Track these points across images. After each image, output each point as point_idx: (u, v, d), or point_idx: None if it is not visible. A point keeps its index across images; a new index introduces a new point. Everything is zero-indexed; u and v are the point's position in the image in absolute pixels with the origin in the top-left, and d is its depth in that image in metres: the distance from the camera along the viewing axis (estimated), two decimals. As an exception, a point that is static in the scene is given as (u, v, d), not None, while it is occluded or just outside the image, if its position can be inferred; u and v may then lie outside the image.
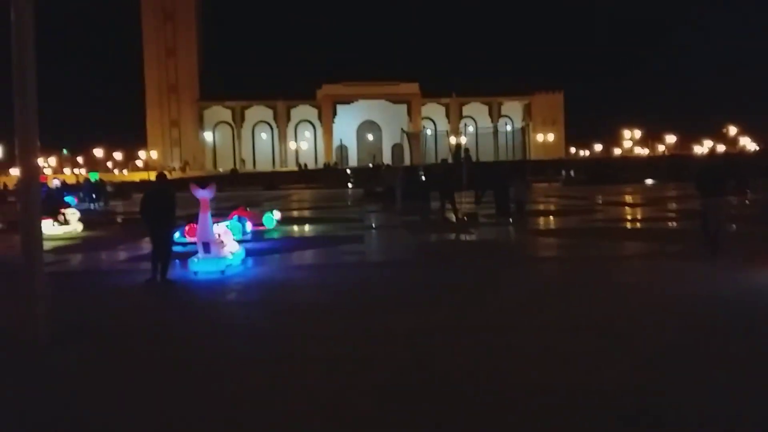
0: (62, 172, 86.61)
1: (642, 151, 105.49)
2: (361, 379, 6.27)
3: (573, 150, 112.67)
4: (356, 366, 6.68)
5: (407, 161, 72.32)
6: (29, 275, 7.90)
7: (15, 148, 8.13)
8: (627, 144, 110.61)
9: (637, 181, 53.56)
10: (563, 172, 63.14)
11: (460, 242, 18.40)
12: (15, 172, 76.58)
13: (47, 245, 10.10)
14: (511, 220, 22.34)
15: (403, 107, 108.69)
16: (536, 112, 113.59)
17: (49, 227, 21.68)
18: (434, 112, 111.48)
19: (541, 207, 30.06)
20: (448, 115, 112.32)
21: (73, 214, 23.68)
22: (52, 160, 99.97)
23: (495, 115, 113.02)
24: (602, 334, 7.71)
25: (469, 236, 19.24)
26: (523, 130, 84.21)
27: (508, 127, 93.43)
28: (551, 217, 25.73)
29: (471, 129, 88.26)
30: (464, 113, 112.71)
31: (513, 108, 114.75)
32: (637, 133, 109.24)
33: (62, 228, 22.66)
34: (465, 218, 22.76)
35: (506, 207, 23.28)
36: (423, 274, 12.63)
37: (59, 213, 23.09)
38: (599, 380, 6.05)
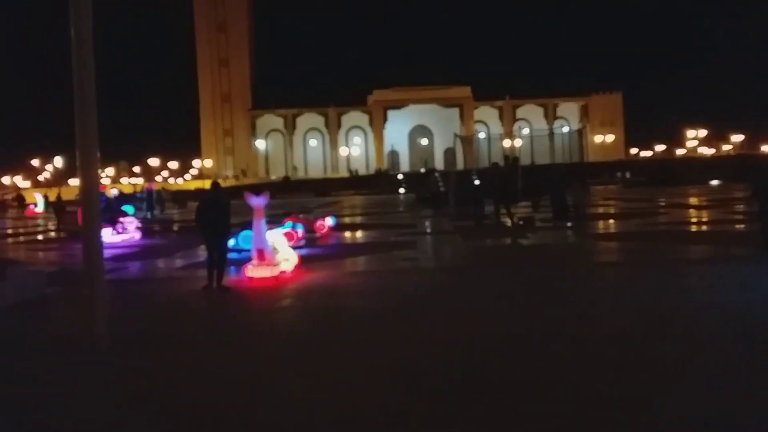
0: (120, 182, 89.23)
1: (707, 151, 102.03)
2: (416, 386, 6.10)
3: (633, 151, 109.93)
4: (411, 373, 6.51)
5: (460, 165, 71.76)
6: (90, 282, 8.03)
7: (76, 159, 8.27)
8: (691, 144, 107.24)
9: (701, 183, 51.84)
10: (618, 175, 61.77)
11: (516, 247, 18.02)
12: (74, 182, 79.37)
13: (107, 253, 10.27)
14: (569, 224, 21.80)
15: (455, 111, 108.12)
16: (594, 113, 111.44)
17: (108, 235, 22.34)
18: (487, 115, 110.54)
19: (600, 210, 29.33)
20: (501, 118, 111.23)
21: (131, 223, 24.27)
22: (110, 171, 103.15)
23: (550, 117, 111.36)
24: (677, 341, 7.34)
25: (526, 241, 18.84)
26: (580, 132, 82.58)
27: (565, 129, 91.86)
28: (611, 221, 25.04)
29: (526, 131, 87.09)
30: (518, 116, 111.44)
31: (569, 109, 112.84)
32: (702, 132, 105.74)
33: (121, 236, 23.24)
34: (521, 222, 22.34)
35: (564, 211, 22.75)
36: (478, 280, 12.38)
37: (118, 222, 23.70)
38: (679, 389, 5.71)
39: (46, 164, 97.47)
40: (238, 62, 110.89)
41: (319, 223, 22.38)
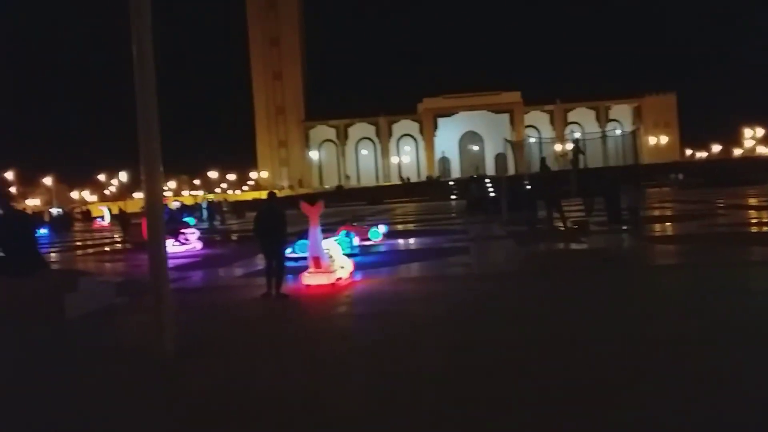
0: (181, 195, 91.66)
1: (766, 151, 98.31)
2: (472, 392, 6.18)
3: (689, 152, 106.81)
4: (466, 379, 6.60)
5: (511, 171, 71.19)
6: (156, 292, 8.35)
7: (140, 173, 8.63)
8: (748, 143, 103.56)
9: (760, 183, 50.03)
10: (671, 176, 60.19)
11: (571, 252, 17.85)
12: (138, 195, 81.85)
13: (170, 263, 10.68)
14: (624, 227, 21.45)
15: (506, 117, 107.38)
16: (647, 114, 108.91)
17: (171, 246, 23.17)
18: (538, 119, 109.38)
19: (656, 213, 28.70)
20: (552, 122, 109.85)
21: (192, 234, 25.06)
22: (172, 184, 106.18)
23: (603, 119, 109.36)
24: (738, 344, 7.23)
25: (580, 245, 18.63)
26: (634, 134, 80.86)
27: (618, 132, 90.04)
28: (668, 223, 24.49)
29: (578, 135, 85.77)
30: (570, 119, 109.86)
31: (622, 111, 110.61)
32: (760, 131, 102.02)
33: (183, 247, 24.01)
34: (574, 227, 22.09)
35: (618, 214, 22.39)
36: (532, 285, 12.34)
37: (180, 233, 24.51)
38: (735, 392, 5.65)
39: (111, 179, 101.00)
40: (291, 75, 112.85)
41: (372, 230, 22.64)
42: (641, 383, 6.11)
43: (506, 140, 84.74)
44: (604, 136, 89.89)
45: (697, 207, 31.11)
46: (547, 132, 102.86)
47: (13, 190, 79.07)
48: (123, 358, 8.38)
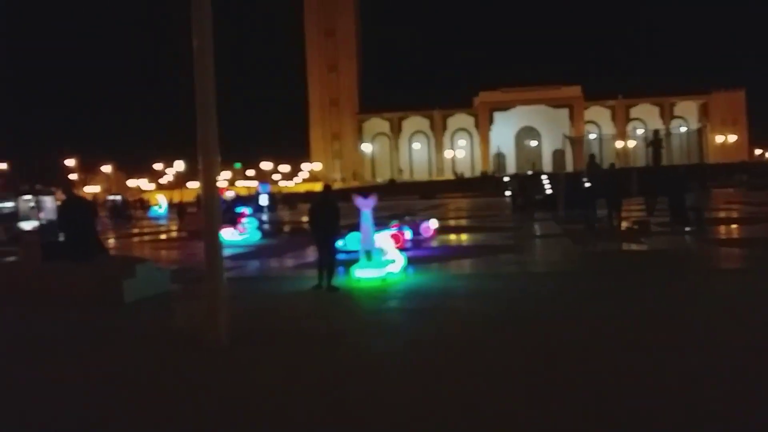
0: (235, 185, 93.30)
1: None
2: (522, 391, 6.03)
3: (758, 152, 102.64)
4: (517, 378, 6.45)
5: (569, 167, 69.83)
6: (211, 281, 8.45)
7: (197, 163, 8.73)
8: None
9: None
10: (736, 177, 58.02)
11: (630, 252, 17.34)
12: (193, 185, 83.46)
13: (226, 252, 10.79)
14: (687, 228, 20.71)
15: (565, 112, 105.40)
16: (714, 111, 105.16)
17: (229, 236, 23.71)
18: (598, 115, 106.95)
19: (721, 214, 27.66)
20: (613, 118, 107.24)
21: (250, 224, 25.48)
22: (227, 174, 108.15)
23: (667, 116, 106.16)
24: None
25: (640, 246, 18.08)
26: (700, 132, 78.26)
27: (682, 129, 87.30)
28: (733, 225, 23.55)
29: (640, 132, 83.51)
30: (632, 115, 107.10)
31: (687, 108, 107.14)
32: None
33: (241, 236, 24.42)
34: (635, 227, 21.46)
35: (683, 214, 21.60)
36: (588, 285, 12.00)
37: (239, 222, 24.96)
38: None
39: (168, 168, 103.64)
40: (346, 67, 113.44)
41: (424, 225, 22.52)
42: (700, 389, 5.83)
43: (565, 136, 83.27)
44: (668, 134, 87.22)
45: (764, 210, 29.86)
46: (609, 128, 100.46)
47: (74, 177, 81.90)
48: (178, 343, 8.53)
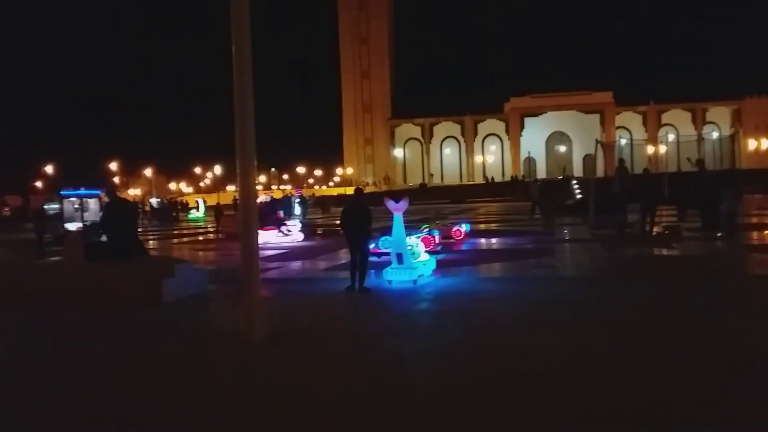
0: (271, 189, 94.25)
1: None
2: (555, 395, 6.18)
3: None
4: (548, 382, 6.58)
5: (600, 173, 69.17)
6: (247, 281, 8.74)
7: (235, 166, 9.04)
8: None
9: None
10: None
11: (661, 257, 17.27)
12: (231, 188, 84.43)
13: (265, 253, 11.09)
14: (719, 234, 20.52)
15: (596, 117, 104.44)
16: (747, 117, 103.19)
17: (274, 236, 24.43)
18: (630, 121, 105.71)
19: (755, 220, 27.28)
20: (645, 124, 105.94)
21: (294, 225, 26.05)
22: (262, 178, 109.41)
23: (699, 122, 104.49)
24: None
25: (672, 251, 18.00)
26: (732, 138, 76.83)
27: (715, 135, 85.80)
28: (766, 232, 23.22)
29: (672, 137, 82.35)
30: (663, 121, 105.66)
31: (720, 114, 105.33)
32: None
33: (286, 238, 25.06)
34: (666, 232, 21.34)
35: (714, 220, 21.40)
36: (619, 290, 12.04)
37: (283, 224, 25.54)
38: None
39: (206, 171, 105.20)
40: (379, 74, 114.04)
41: (455, 229, 22.67)
42: (728, 401, 5.93)
43: (597, 141, 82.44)
44: (700, 139, 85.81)
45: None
46: (640, 134, 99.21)
47: (116, 179, 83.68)
48: (215, 342, 8.83)
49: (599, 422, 5.40)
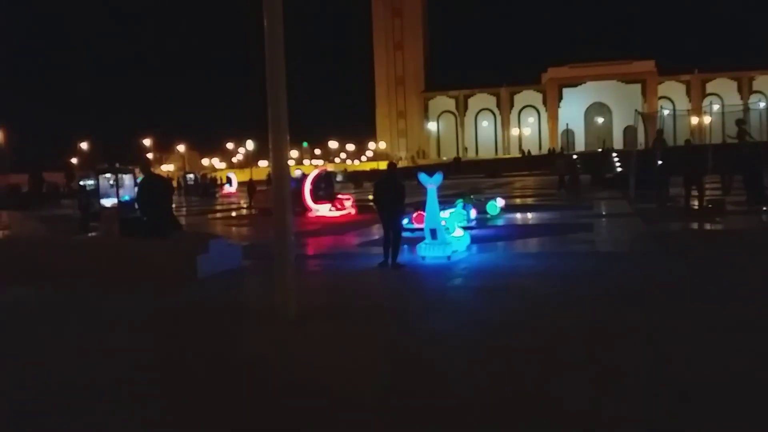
0: (302, 164, 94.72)
1: None
2: (589, 374, 6.00)
3: None
4: (583, 360, 6.41)
5: (641, 145, 67.66)
6: (281, 257, 8.71)
7: (267, 142, 8.94)
8: None
9: None
10: None
11: (704, 232, 16.78)
12: (263, 163, 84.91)
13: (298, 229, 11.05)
14: (765, 208, 19.84)
15: (637, 87, 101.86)
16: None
17: (326, 211, 24.65)
18: (673, 90, 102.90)
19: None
20: (688, 94, 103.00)
21: (347, 200, 26.39)
22: (294, 153, 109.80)
23: (745, 91, 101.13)
24: None
25: (715, 226, 17.47)
26: (780, 107, 74.17)
27: (761, 104, 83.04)
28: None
29: (716, 108, 79.94)
30: (708, 90, 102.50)
31: (767, 83, 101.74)
32: None
33: (339, 212, 25.47)
34: (709, 206, 20.71)
35: (760, 193, 20.69)
36: (660, 266, 11.72)
37: (337, 198, 26.04)
38: None
39: (239, 147, 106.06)
40: (413, 45, 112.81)
41: (490, 203, 22.35)
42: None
43: (637, 112, 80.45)
44: (746, 110, 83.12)
45: None
46: (683, 104, 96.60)
47: (150, 155, 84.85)
48: (249, 316, 8.86)
49: (639, 399, 5.21)
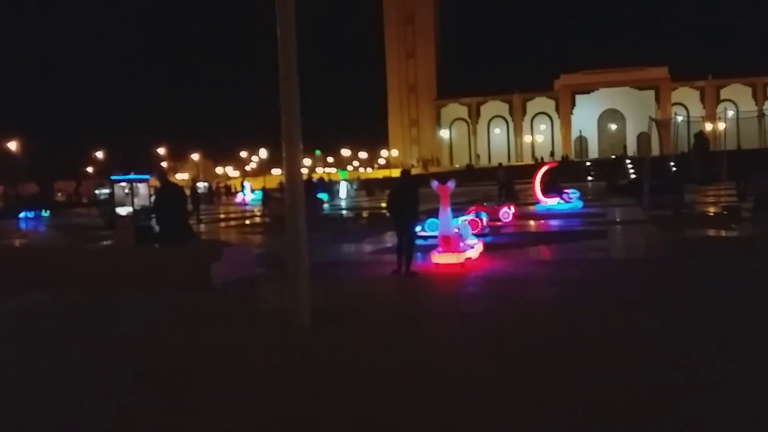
0: (315, 171, 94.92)
1: None
2: (601, 380, 5.95)
3: None
4: (597, 367, 6.35)
5: (655, 151, 67.24)
6: (294, 265, 8.70)
7: (280, 150, 8.95)
8: None
9: None
10: None
11: (720, 239, 16.62)
12: (276, 171, 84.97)
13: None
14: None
15: (651, 93, 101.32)
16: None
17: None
18: (686, 96, 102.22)
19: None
20: (702, 100, 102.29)
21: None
22: (307, 161, 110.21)
23: (760, 97, 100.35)
24: None
25: (731, 233, 17.30)
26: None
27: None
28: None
29: (731, 114, 79.36)
30: (722, 96, 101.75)
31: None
32: None
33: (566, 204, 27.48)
34: (725, 212, 20.55)
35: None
36: (677, 273, 11.62)
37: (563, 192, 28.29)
38: None
39: (252, 155, 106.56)
40: (425, 53, 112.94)
41: (503, 211, 22.30)
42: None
43: (651, 118, 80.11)
44: (761, 115, 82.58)
45: None
46: (697, 110, 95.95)
47: (164, 164, 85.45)
48: (263, 323, 8.86)
49: (655, 407, 5.16)
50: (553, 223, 22.43)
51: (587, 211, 25.94)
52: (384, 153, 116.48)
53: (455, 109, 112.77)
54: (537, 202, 28.54)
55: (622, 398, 5.49)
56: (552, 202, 27.98)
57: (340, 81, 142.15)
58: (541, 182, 28.98)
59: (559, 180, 31.86)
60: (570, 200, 27.95)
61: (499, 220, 21.60)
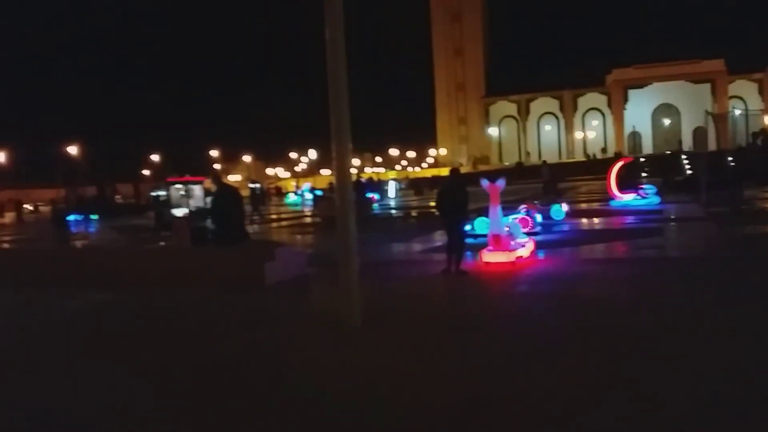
0: (365, 171, 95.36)
1: None
2: (667, 381, 5.83)
3: None
4: (663, 371, 6.22)
5: (712, 146, 65.30)
6: (345, 264, 8.78)
7: (330, 151, 9.05)
8: None
9: None
10: None
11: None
12: (325, 172, 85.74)
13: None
14: None
15: (706, 87, 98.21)
16: None
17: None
18: (744, 89, 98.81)
19: None
20: (761, 93, 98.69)
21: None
22: (356, 161, 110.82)
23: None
24: None
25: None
26: None
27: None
28: None
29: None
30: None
31: None
32: None
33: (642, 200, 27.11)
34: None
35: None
36: (736, 272, 11.24)
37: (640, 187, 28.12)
38: None
39: (302, 156, 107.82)
40: (473, 51, 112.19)
41: (554, 208, 21.98)
42: None
43: (707, 112, 77.75)
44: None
45: None
46: (755, 104, 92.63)
47: (217, 166, 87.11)
48: (315, 323, 8.96)
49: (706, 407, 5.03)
50: (607, 220, 21.99)
51: (656, 208, 25.31)
52: (432, 152, 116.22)
53: (504, 107, 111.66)
54: (612, 197, 28.25)
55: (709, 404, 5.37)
56: (628, 198, 27.49)
57: (388, 80, 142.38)
58: (617, 177, 28.46)
59: (636, 175, 31.40)
60: (646, 196, 27.39)
61: (551, 218, 21.29)
